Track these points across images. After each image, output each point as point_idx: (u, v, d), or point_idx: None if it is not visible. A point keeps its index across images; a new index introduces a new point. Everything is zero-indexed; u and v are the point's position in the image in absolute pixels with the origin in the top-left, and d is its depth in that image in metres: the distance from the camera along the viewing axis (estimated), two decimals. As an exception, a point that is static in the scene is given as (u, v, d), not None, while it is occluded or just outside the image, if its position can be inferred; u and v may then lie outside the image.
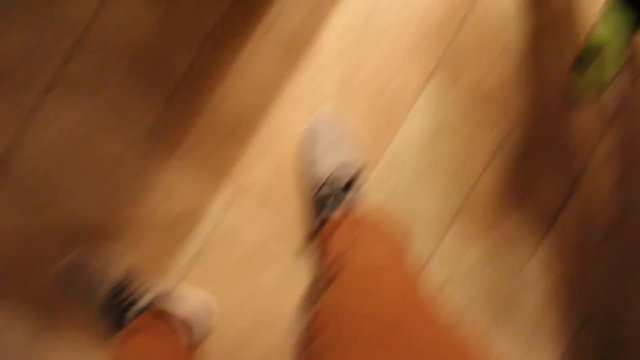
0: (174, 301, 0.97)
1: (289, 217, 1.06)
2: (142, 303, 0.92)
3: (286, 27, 1.05)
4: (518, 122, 1.11)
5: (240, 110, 1.04)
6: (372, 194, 1.06)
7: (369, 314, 0.56)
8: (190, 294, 1.02)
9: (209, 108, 1.03)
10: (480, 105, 1.10)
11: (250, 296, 1.04)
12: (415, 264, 0.86)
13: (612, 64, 1.08)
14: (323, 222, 0.96)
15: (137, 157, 1.03)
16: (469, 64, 1.09)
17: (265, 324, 1.04)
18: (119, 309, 0.93)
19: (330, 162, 0.99)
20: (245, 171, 1.04)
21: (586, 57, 1.08)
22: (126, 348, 0.82)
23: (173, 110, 1.03)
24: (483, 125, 1.10)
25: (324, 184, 0.97)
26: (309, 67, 1.05)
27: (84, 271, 0.97)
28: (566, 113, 1.13)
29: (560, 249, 1.11)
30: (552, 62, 1.12)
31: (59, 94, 1.01)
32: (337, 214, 0.94)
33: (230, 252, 1.05)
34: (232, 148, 1.04)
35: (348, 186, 0.97)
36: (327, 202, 0.96)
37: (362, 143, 1.05)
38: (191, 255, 1.04)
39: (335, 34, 1.06)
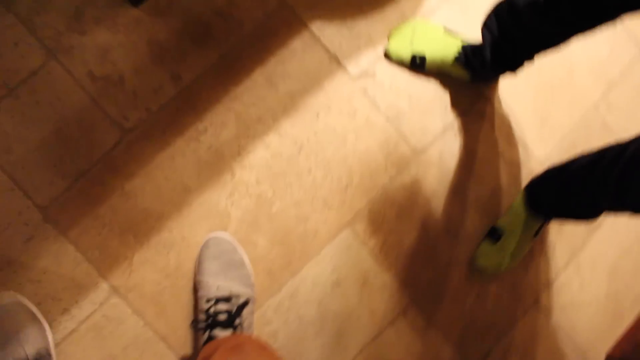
0: None
1: (172, 322, 1.02)
2: None
3: (213, 140, 1.02)
4: (424, 293, 1.08)
5: (146, 209, 1.01)
6: (255, 330, 1.02)
7: None
8: None
9: (115, 199, 1.01)
10: (389, 268, 1.06)
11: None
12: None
13: (513, 251, 1.06)
14: (207, 339, 0.92)
15: (32, 223, 1.00)
16: (390, 222, 1.06)
17: None
18: None
19: (218, 286, 0.96)
20: (136, 268, 1.01)
21: (493, 235, 1.06)
22: None
23: (78, 189, 1.00)
24: (385, 290, 1.06)
25: (210, 306, 0.94)
26: (226, 185, 1.03)
27: None
28: (480, 286, 1.10)
29: None
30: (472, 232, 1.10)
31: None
32: (223, 333, 0.91)
33: (102, 344, 1.01)
34: (128, 242, 1.01)
35: (234, 314, 0.94)
36: (212, 322, 0.93)
37: (252, 276, 1.01)
38: (59, 338, 1.00)
39: (265, 156, 1.04)
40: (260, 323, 1.02)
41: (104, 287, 1.00)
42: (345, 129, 1.06)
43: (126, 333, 1.00)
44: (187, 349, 1.01)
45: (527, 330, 1.12)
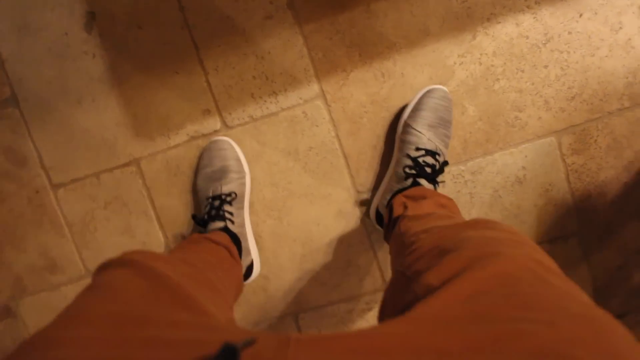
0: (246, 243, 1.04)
1: (359, 146, 1.06)
2: (229, 225, 0.98)
3: None
4: (596, 230, 1.05)
5: (381, 33, 1.02)
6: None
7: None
8: (252, 246, 1.07)
9: (357, 12, 1.02)
10: (574, 190, 1.04)
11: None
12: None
13: None
14: (412, 184, 0.93)
15: (276, 3, 1.04)
16: (598, 150, 1.03)
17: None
18: (211, 212, 0.99)
19: (429, 138, 0.95)
20: (350, 82, 1.04)
21: None
22: (202, 249, 0.88)
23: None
24: (560, 208, 1.05)
25: (420, 155, 0.94)
26: (463, 44, 1.01)
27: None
28: None
29: None
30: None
31: None
32: (427, 185, 0.92)
33: (292, 137, 1.07)
34: (352, 57, 1.03)
35: (437, 170, 0.94)
36: (420, 172, 0.93)
37: (450, 139, 1.02)
38: (258, 114, 1.07)
39: (511, 33, 1.01)
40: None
41: (314, 87, 1.04)
42: (601, 41, 1.00)
43: (316, 136, 1.05)
44: (361, 175, 1.06)
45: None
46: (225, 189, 1.00)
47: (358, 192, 1.07)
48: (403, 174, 0.94)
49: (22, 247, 1.19)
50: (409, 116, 0.98)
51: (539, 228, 1.06)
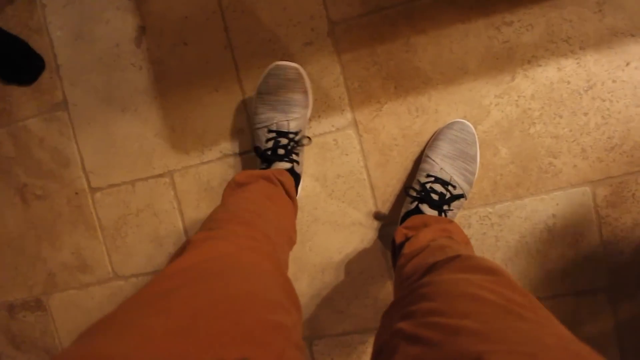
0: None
1: (387, 178, 1.06)
2: (295, 166, 0.98)
3: (513, 37, 0.99)
4: (626, 288, 1.01)
5: (418, 68, 1.02)
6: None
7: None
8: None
9: (396, 45, 1.02)
10: (607, 244, 1.00)
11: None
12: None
13: None
14: (414, 210, 0.94)
15: (317, 31, 1.06)
16: (635, 204, 0.99)
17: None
18: (278, 149, 0.96)
19: (442, 167, 0.96)
20: (383, 114, 1.05)
21: None
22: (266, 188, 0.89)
23: (369, 20, 1.03)
24: (590, 262, 1.01)
25: (428, 181, 0.95)
26: (501, 84, 1.00)
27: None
28: None
29: None
30: None
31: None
32: (429, 211, 0.93)
33: (321, 163, 1.08)
34: (387, 89, 1.04)
35: (446, 199, 0.94)
36: (425, 197, 0.93)
37: (475, 176, 1.00)
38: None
39: (552, 77, 0.99)
40: (460, 222, 1.02)
41: (347, 116, 1.04)
42: (647, 92, 0.96)
43: (345, 165, 1.05)
44: (386, 208, 1.05)
45: None
46: (293, 125, 0.97)
47: (382, 224, 1.07)
48: (409, 197, 0.95)
49: (58, 245, 1.24)
50: (428, 146, 1.00)
51: (564, 279, 1.02)
